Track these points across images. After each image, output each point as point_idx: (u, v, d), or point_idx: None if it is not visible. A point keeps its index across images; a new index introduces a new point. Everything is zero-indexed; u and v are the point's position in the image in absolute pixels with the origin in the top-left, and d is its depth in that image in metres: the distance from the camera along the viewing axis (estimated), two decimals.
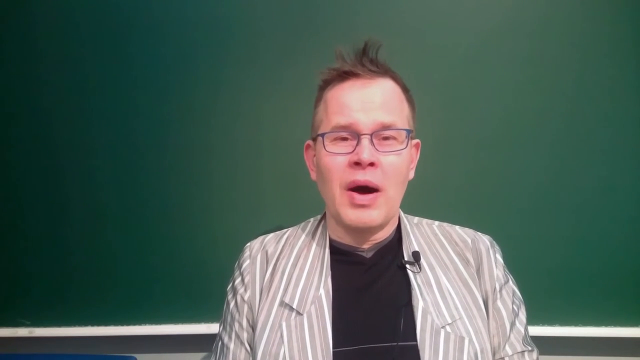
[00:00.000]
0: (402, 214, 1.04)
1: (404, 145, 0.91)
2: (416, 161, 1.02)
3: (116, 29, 1.44)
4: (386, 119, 0.89)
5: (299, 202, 1.38)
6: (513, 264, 1.04)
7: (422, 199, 1.29)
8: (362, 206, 0.89)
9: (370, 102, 0.90)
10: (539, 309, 1.28)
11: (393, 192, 0.91)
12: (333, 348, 0.86)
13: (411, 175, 0.99)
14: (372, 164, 0.88)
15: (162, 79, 1.44)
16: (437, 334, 0.87)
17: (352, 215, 0.90)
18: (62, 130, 1.46)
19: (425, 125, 1.27)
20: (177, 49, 1.43)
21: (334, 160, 0.91)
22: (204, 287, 1.45)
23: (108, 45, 1.44)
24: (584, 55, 1.34)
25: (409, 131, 0.93)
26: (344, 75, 0.93)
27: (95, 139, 1.46)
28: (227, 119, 1.43)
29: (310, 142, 1.02)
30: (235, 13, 1.41)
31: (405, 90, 0.98)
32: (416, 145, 1.01)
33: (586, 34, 1.34)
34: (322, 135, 0.92)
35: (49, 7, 1.44)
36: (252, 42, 1.41)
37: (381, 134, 0.90)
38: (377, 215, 0.90)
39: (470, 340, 0.88)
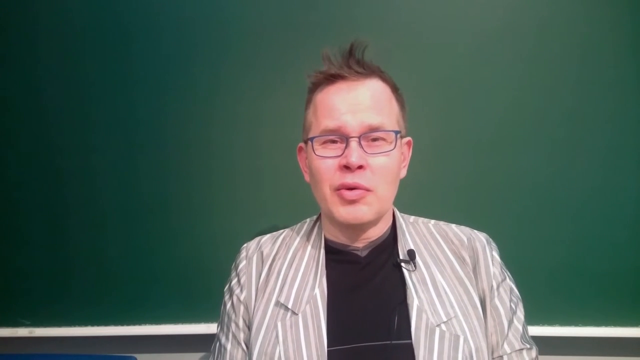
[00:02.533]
0: (397, 212, 1.04)
1: (392, 146, 0.91)
2: (408, 159, 1.02)
3: (116, 28, 1.44)
4: (374, 120, 0.89)
5: (298, 202, 1.37)
6: (512, 264, 1.04)
7: (420, 198, 1.29)
8: (352, 202, 0.89)
9: (357, 104, 0.90)
10: (538, 308, 1.28)
11: (383, 191, 0.91)
12: (328, 347, 0.87)
13: (403, 173, 0.99)
14: (360, 167, 0.88)
15: (162, 79, 1.44)
16: (432, 332, 0.87)
17: (344, 212, 0.90)
18: (62, 129, 1.47)
19: (424, 125, 1.28)
20: (177, 49, 1.43)
21: (324, 163, 0.91)
22: (203, 287, 1.45)
23: (107, 45, 1.45)
24: (584, 55, 1.34)
25: (397, 132, 0.93)
26: (331, 78, 0.93)
27: (95, 139, 1.46)
28: (227, 119, 1.44)
29: (302, 144, 1.02)
30: (234, 13, 1.42)
31: (394, 89, 0.98)
32: (408, 143, 1.01)
33: (586, 33, 1.34)
34: (312, 139, 0.93)
35: (48, 7, 1.45)
36: (251, 42, 1.42)
37: (369, 135, 0.90)
38: (368, 210, 0.90)
39: (466, 339, 0.88)
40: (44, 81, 1.46)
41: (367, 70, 0.93)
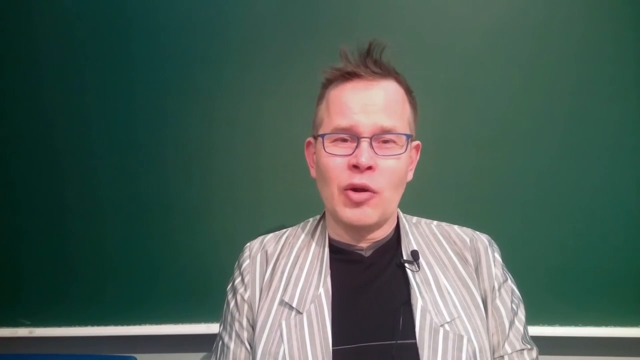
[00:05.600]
0: (400, 213, 1.05)
1: (403, 150, 0.92)
2: (415, 162, 1.02)
3: (116, 28, 1.44)
4: (387, 122, 0.89)
5: (299, 202, 1.38)
6: (513, 264, 1.04)
7: (422, 198, 1.29)
8: (358, 204, 0.89)
9: (371, 104, 0.90)
10: (539, 309, 1.28)
11: (389, 194, 0.91)
12: (332, 346, 0.87)
13: (410, 176, 1.00)
14: (370, 168, 0.88)
15: (162, 79, 1.44)
16: (436, 332, 0.87)
17: (349, 214, 0.90)
18: (62, 130, 1.46)
19: (426, 125, 1.27)
20: (177, 48, 1.43)
21: (333, 161, 0.91)
22: (204, 287, 1.45)
23: (108, 44, 1.44)
24: (584, 55, 1.35)
25: (409, 136, 0.93)
26: (347, 76, 0.93)
27: (96, 138, 1.46)
28: (227, 119, 1.44)
29: (311, 139, 1.02)
30: (235, 12, 1.41)
31: (408, 92, 0.98)
32: (416, 147, 1.01)
33: (586, 33, 1.34)
34: (322, 136, 0.93)
35: (49, 7, 1.44)
36: (252, 41, 1.42)
37: (381, 137, 0.90)
38: (372, 213, 0.90)
39: (469, 339, 0.88)
40: (44, 81, 1.46)
41: (383, 71, 0.93)
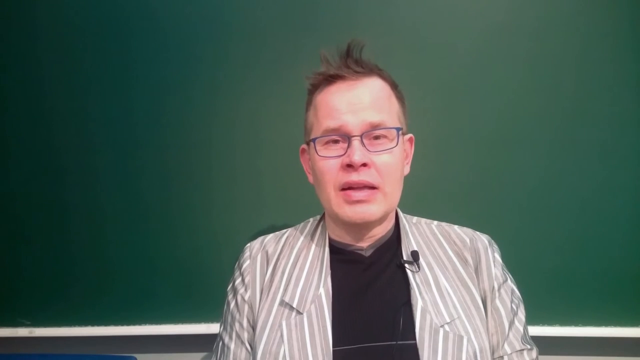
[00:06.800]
0: (400, 213, 1.05)
1: (394, 143, 0.92)
2: (411, 156, 1.03)
3: (116, 28, 1.44)
4: (375, 118, 0.90)
5: (299, 202, 1.37)
6: (513, 264, 1.04)
7: (422, 198, 1.30)
8: (359, 202, 0.90)
9: (357, 103, 0.91)
10: (539, 309, 1.28)
11: (390, 188, 0.92)
12: (333, 347, 0.87)
13: (406, 170, 1.00)
14: (364, 165, 0.89)
15: (162, 79, 1.44)
16: (436, 332, 0.87)
17: (350, 212, 0.90)
18: (62, 130, 1.46)
19: (425, 124, 1.28)
20: (177, 49, 1.43)
21: (327, 163, 0.92)
22: (204, 287, 1.45)
23: (108, 45, 1.44)
24: (584, 54, 1.34)
25: (398, 129, 0.93)
26: (330, 79, 0.94)
27: (96, 138, 1.46)
28: (227, 119, 1.44)
29: (304, 146, 1.03)
30: (235, 13, 1.41)
31: (393, 86, 0.98)
32: (410, 140, 1.02)
33: (586, 33, 1.34)
34: (314, 140, 0.93)
35: (49, 7, 1.44)
36: (251, 42, 1.42)
37: (371, 133, 0.91)
38: (377, 209, 0.91)
39: (469, 340, 0.88)
40: (44, 81, 1.46)
41: (365, 69, 0.94)
